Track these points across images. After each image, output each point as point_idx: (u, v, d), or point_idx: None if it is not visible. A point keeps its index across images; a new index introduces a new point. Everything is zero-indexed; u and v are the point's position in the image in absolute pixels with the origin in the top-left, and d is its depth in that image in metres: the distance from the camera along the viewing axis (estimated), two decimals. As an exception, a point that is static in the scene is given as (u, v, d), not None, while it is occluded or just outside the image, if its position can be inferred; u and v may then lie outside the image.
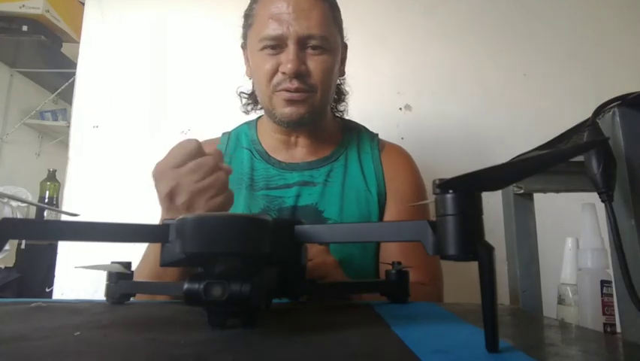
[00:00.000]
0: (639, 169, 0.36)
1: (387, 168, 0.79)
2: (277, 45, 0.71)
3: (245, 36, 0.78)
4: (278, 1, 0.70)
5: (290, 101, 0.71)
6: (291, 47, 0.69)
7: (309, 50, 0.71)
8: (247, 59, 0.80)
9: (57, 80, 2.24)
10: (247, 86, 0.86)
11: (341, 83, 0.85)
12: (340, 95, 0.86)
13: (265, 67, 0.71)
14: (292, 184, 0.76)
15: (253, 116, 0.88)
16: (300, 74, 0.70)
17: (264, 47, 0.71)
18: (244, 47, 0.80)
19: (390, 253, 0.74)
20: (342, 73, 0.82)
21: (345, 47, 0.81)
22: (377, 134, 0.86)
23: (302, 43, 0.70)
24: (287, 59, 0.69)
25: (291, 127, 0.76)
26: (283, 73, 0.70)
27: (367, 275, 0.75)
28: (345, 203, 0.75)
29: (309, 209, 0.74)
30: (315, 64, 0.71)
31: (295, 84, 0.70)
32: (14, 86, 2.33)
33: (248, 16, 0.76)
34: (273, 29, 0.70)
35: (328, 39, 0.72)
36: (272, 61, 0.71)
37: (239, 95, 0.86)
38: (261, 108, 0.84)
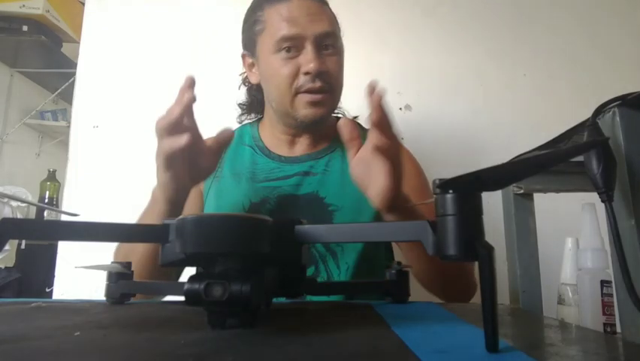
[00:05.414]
0: (639, 169, 0.36)
1: None
2: (294, 47, 0.72)
3: (252, 43, 0.79)
4: (289, 5, 0.73)
5: (313, 103, 0.73)
6: (310, 48, 0.71)
7: (324, 51, 0.74)
8: (250, 66, 0.82)
9: (57, 80, 2.23)
10: (241, 96, 0.89)
11: None
12: None
13: (284, 71, 0.72)
14: (292, 175, 0.79)
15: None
16: (321, 73, 0.72)
17: (280, 49, 0.72)
18: (249, 54, 0.81)
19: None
20: None
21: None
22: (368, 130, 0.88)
23: (318, 43, 0.73)
24: (308, 59, 0.71)
25: (309, 127, 0.77)
26: (306, 73, 0.71)
27: (380, 265, 0.76)
28: (345, 189, 0.77)
29: (311, 196, 0.77)
30: (331, 64, 0.74)
31: (318, 84, 0.72)
32: (14, 86, 2.33)
33: (256, 22, 0.77)
34: (290, 29, 0.71)
35: (339, 38, 0.76)
36: (290, 64, 0.72)
37: (238, 105, 0.90)
38: (255, 118, 0.88)
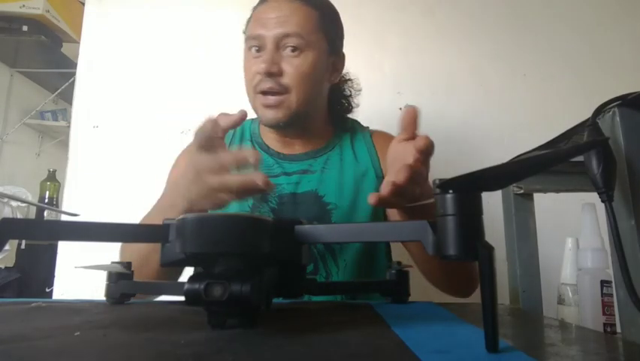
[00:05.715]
0: (639, 169, 0.36)
1: (380, 147, 0.81)
2: (260, 46, 0.73)
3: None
4: (267, 8, 0.75)
5: (267, 105, 0.73)
6: (269, 48, 0.72)
7: (287, 52, 0.72)
8: None
9: (57, 80, 2.24)
10: None
11: (350, 95, 0.88)
12: (348, 107, 0.88)
13: (250, 69, 0.74)
14: (291, 173, 0.79)
15: None
16: (272, 74, 0.71)
17: (250, 48, 0.75)
18: None
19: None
20: (332, 81, 0.82)
21: (341, 57, 0.82)
22: (367, 127, 0.88)
23: (278, 44, 0.72)
24: (262, 60, 0.72)
25: (275, 129, 0.78)
26: (258, 73, 0.72)
27: (380, 263, 0.77)
28: (343, 187, 0.78)
29: (310, 194, 0.77)
30: (290, 65, 0.72)
31: (268, 84, 0.71)
32: (14, 86, 2.33)
33: (248, 20, 0.80)
34: (255, 29, 0.74)
35: (304, 38, 0.72)
36: (253, 63, 0.74)
37: None
38: None
